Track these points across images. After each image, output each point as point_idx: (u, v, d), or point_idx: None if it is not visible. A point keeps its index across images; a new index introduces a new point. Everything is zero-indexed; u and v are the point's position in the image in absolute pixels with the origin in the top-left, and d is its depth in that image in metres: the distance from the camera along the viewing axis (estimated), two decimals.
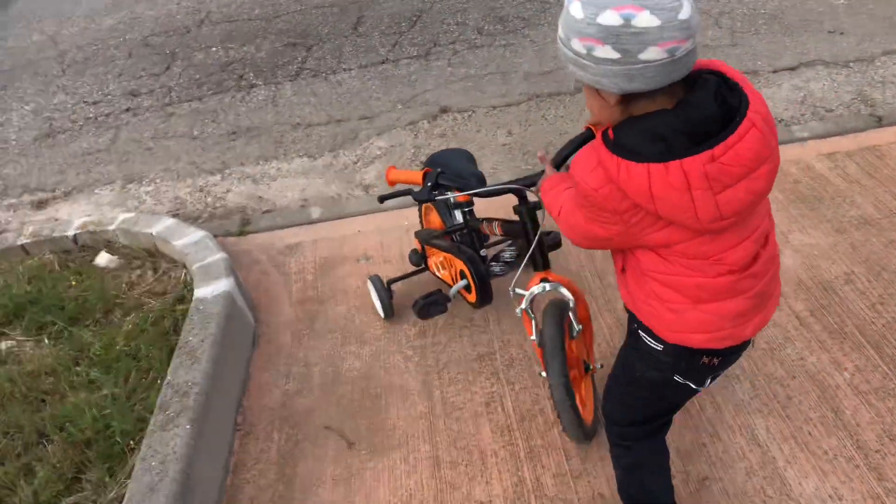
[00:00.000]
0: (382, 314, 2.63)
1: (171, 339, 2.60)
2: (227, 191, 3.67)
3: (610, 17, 1.13)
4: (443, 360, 2.41)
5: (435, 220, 2.70)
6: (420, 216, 2.81)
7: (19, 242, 3.23)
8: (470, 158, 2.46)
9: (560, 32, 1.24)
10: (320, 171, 3.68)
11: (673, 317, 1.40)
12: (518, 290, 1.97)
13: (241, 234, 3.30)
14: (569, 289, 1.93)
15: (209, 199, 3.63)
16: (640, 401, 1.64)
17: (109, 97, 4.61)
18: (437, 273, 2.60)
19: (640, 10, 1.11)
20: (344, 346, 2.55)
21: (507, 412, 2.19)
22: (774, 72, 3.74)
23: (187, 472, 1.92)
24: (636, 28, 1.12)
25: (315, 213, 3.36)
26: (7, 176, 4.07)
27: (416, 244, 2.74)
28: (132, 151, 4.08)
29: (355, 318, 2.66)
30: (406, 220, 3.12)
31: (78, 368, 2.52)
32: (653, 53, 1.14)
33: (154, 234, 3.08)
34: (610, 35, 1.14)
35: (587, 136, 1.71)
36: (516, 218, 2.02)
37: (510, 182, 1.94)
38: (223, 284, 2.63)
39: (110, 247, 3.19)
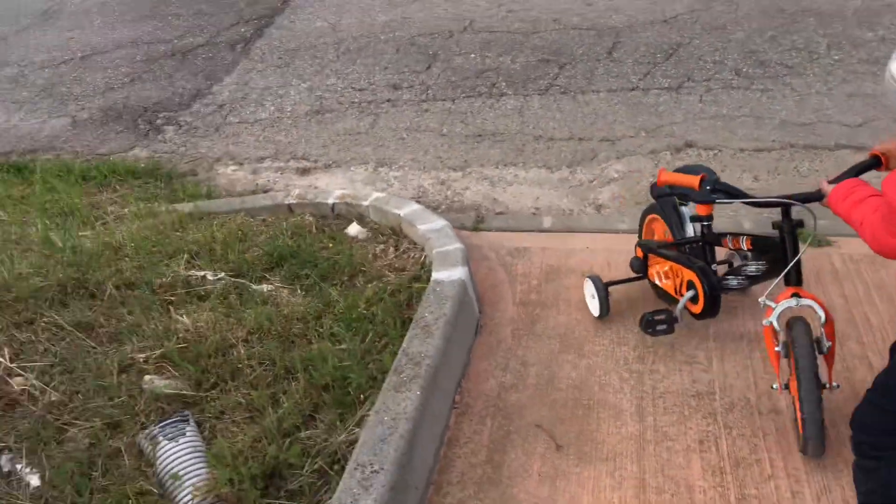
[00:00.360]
0: (598, 312, 2.73)
1: (403, 312, 2.85)
2: (466, 188, 3.91)
3: None
4: (659, 389, 2.44)
5: (658, 231, 2.82)
6: (640, 227, 2.94)
7: (287, 202, 3.66)
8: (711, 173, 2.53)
9: None
10: (555, 183, 3.82)
11: None
12: (767, 302, 2.11)
13: (475, 229, 3.51)
14: (821, 306, 2.07)
15: (448, 193, 3.89)
16: None
17: (374, 86, 5.06)
18: (658, 282, 2.69)
19: None
20: (561, 353, 2.65)
21: (720, 454, 2.19)
22: None
23: (414, 432, 2.12)
24: None
25: (546, 222, 3.50)
26: (279, 142, 4.60)
27: (637, 252, 2.81)
28: (387, 138, 4.45)
29: (575, 330, 2.76)
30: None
31: (323, 320, 2.83)
32: None
33: (401, 215, 3.37)
34: None
35: (872, 163, 1.93)
36: (769, 233, 2.19)
37: (787, 196, 2.08)
38: (459, 272, 2.83)
39: (361, 220, 3.53)
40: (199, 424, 2.42)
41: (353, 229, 3.45)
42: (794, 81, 4.35)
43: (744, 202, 2.22)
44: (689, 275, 2.41)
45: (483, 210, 3.71)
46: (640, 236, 2.95)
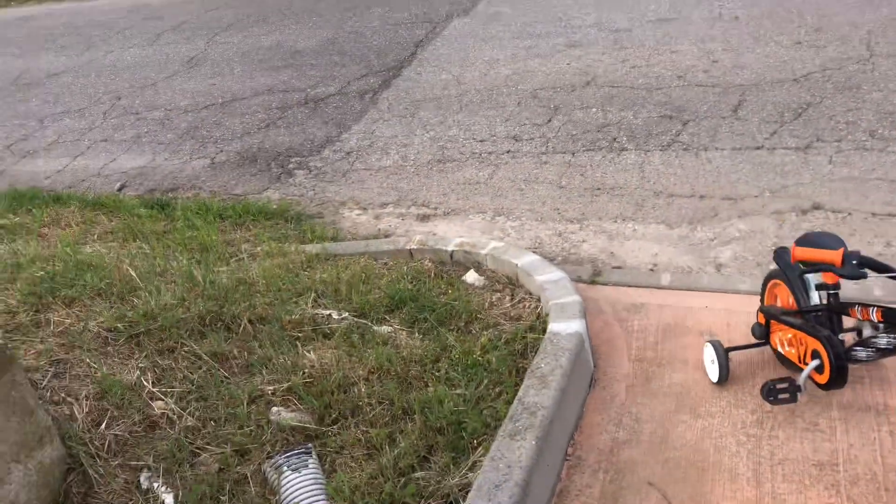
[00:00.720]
0: (717, 377, 2.69)
1: (518, 361, 2.91)
2: (583, 241, 3.95)
3: None
4: (778, 455, 2.37)
5: (781, 297, 2.77)
6: (762, 291, 2.87)
7: (408, 247, 3.82)
8: (838, 240, 2.46)
9: None
10: (674, 240, 3.80)
11: None
12: None
13: (592, 282, 3.53)
14: None
15: (565, 245, 3.94)
16: None
17: (494, 137, 5.20)
18: (780, 349, 2.63)
19: None
20: (676, 412, 2.63)
21: None
22: None
23: (528, 480, 2.16)
24: None
25: (664, 279, 3.49)
26: (402, 189, 4.80)
27: (759, 318, 2.75)
28: (505, 188, 4.57)
29: (691, 390, 2.72)
30: (757, 305, 3.10)
31: (439, 364, 2.92)
32: None
33: (518, 265, 3.44)
34: None
35: None
36: None
37: None
38: (576, 325, 2.87)
39: (478, 268, 3.63)
40: (320, 457, 2.55)
41: (471, 277, 3.55)
42: None
43: (893, 276, 2.14)
44: (813, 343, 2.36)
45: (599, 264, 3.73)
46: (762, 301, 2.90)
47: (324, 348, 3.05)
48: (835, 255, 2.15)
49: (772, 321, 2.68)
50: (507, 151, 4.99)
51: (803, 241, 2.52)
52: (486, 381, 2.78)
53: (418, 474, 2.43)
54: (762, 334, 2.73)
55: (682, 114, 5.01)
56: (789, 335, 2.57)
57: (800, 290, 2.60)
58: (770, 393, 2.38)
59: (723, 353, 2.67)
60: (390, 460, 2.45)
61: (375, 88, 6.51)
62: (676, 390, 2.74)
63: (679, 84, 5.44)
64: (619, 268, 3.67)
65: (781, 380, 2.39)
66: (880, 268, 2.12)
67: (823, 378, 2.34)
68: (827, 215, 3.76)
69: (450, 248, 3.72)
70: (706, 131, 4.74)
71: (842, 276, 2.17)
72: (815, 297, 2.56)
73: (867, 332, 2.47)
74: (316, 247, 3.99)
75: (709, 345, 2.74)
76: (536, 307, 3.23)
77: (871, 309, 2.26)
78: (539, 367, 2.64)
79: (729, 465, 2.37)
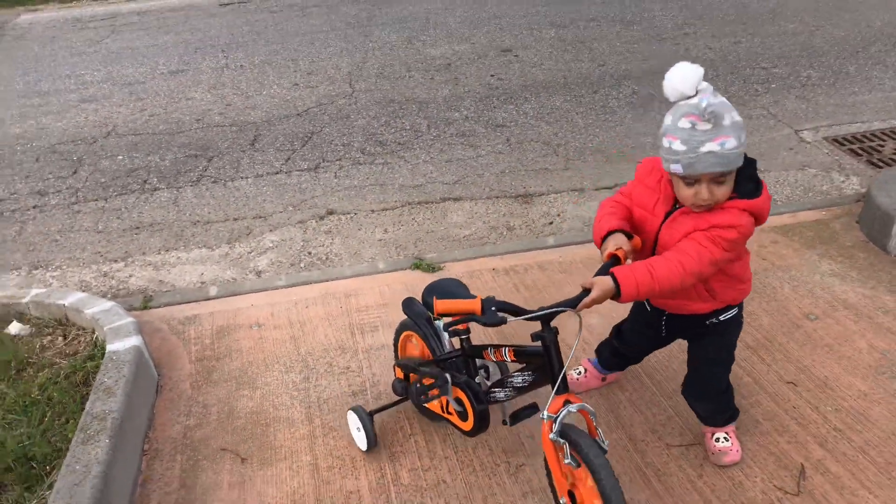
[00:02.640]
0: (365, 446, 2.62)
1: (82, 390, 2.98)
2: (130, 276, 4.10)
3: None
4: (322, 396, 2.92)
5: (413, 349, 2.75)
6: (395, 345, 2.85)
7: None
8: (462, 286, 2.45)
9: (736, 143, 1.90)
10: (217, 259, 4.20)
11: (743, 289, 2.27)
12: (548, 415, 2.01)
13: (145, 308, 3.72)
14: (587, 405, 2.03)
15: (113, 282, 4.04)
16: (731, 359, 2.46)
17: (16, 195, 4.99)
18: (423, 402, 2.59)
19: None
20: (238, 391, 3.01)
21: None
22: (596, 189, 4.66)
23: (107, 473, 2.32)
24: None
25: (212, 291, 3.85)
26: None
27: (397, 373, 2.73)
28: (38, 242, 4.45)
29: (248, 371, 3.14)
30: (295, 296, 3.66)
31: None
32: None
33: (66, 304, 3.47)
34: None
35: (614, 262, 2.06)
36: (530, 344, 2.11)
37: (556, 305, 2.01)
38: (133, 340, 3.06)
39: (21, 318, 3.54)
40: None
41: (15, 328, 3.45)
42: (406, 154, 5.30)
43: (528, 318, 2.02)
44: (455, 392, 2.34)
45: (150, 291, 3.92)
46: (396, 356, 2.87)
47: None
48: (474, 305, 2.01)
49: (410, 374, 2.62)
50: (34, 206, 4.84)
51: (432, 290, 2.38)
52: (49, 414, 2.80)
53: None
54: (402, 390, 2.68)
55: (207, 151, 5.46)
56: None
57: (433, 337, 2.55)
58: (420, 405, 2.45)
59: (366, 417, 2.62)
60: None
61: None
62: (236, 374, 3.12)
63: (199, 126, 5.88)
64: (169, 291, 3.92)
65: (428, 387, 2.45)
66: (516, 311, 2.03)
67: (468, 425, 2.35)
68: (339, 217, 4.54)
69: None
70: (230, 164, 5.26)
71: (484, 324, 2.01)
72: (447, 343, 2.53)
73: (494, 372, 2.50)
74: None
75: (350, 412, 2.67)
76: (92, 338, 3.31)
77: (503, 349, 2.26)
78: (103, 382, 2.78)
79: (286, 416, 2.84)
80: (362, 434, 2.61)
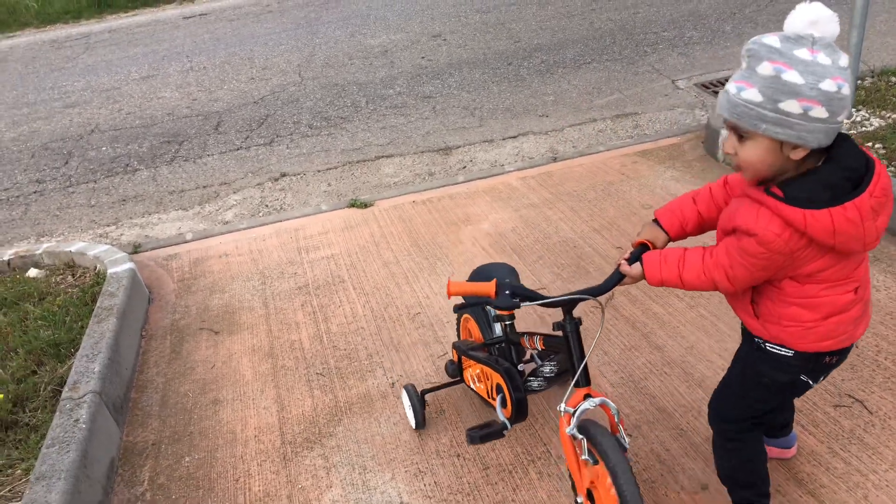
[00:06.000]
0: (414, 424, 2.67)
1: (91, 306, 3.90)
2: (121, 234, 5.02)
3: (829, 85, 1.43)
4: (275, 291, 3.87)
5: (474, 331, 2.73)
6: (458, 328, 2.87)
7: None
8: (513, 272, 2.44)
9: (759, 98, 1.49)
10: (191, 216, 5.13)
11: (805, 331, 1.69)
12: (566, 408, 1.94)
13: (135, 252, 4.65)
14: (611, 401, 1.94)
15: (107, 241, 4.96)
16: (760, 400, 1.92)
17: (18, 185, 5.90)
18: (472, 386, 2.61)
19: (844, 81, 1.46)
20: (212, 294, 3.96)
21: (313, 306, 3.67)
22: (503, 139, 5.64)
23: (117, 341, 3.25)
24: (842, 95, 1.45)
25: (189, 236, 4.79)
26: None
27: (453, 355, 2.73)
28: (41, 218, 5.37)
29: (218, 283, 4.08)
30: (254, 234, 4.60)
31: (27, 323, 3.76)
32: (844, 115, 1.47)
33: (72, 251, 4.39)
34: (827, 98, 1.44)
35: (642, 251, 1.92)
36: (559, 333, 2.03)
37: (577, 292, 1.95)
38: (128, 265, 4.00)
39: (37, 266, 4.46)
40: None
41: (33, 272, 4.37)
42: (348, 126, 6.25)
43: (545, 304, 1.95)
44: (496, 378, 2.31)
45: (139, 243, 4.85)
46: (458, 336, 2.87)
47: None
48: (489, 287, 1.96)
49: (463, 357, 2.61)
50: (35, 192, 5.75)
51: (480, 273, 2.43)
52: (68, 319, 3.73)
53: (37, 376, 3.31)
54: (455, 372, 2.68)
55: (178, 137, 6.39)
56: (478, 370, 2.50)
57: (483, 322, 2.56)
58: (474, 439, 2.27)
59: (417, 399, 2.65)
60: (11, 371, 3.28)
61: None
62: (209, 286, 4.06)
63: (170, 118, 6.81)
64: (153, 241, 4.85)
65: (481, 426, 2.33)
66: (532, 296, 1.96)
67: (508, 412, 2.29)
68: (291, 178, 5.48)
69: (5, 258, 4.45)
70: (198, 145, 6.19)
71: (496, 307, 1.97)
72: (498, 329, 2.53)
73: (538, 362, 2.44)
74: None
75: (404, 391, 2.70)
76: (95, 272, 4.24)
77: (535, 337, 2.24)
78: (108, 290, 3.71)
79: (248, 305, 3.79)
80: (411, 413, 2.66)
